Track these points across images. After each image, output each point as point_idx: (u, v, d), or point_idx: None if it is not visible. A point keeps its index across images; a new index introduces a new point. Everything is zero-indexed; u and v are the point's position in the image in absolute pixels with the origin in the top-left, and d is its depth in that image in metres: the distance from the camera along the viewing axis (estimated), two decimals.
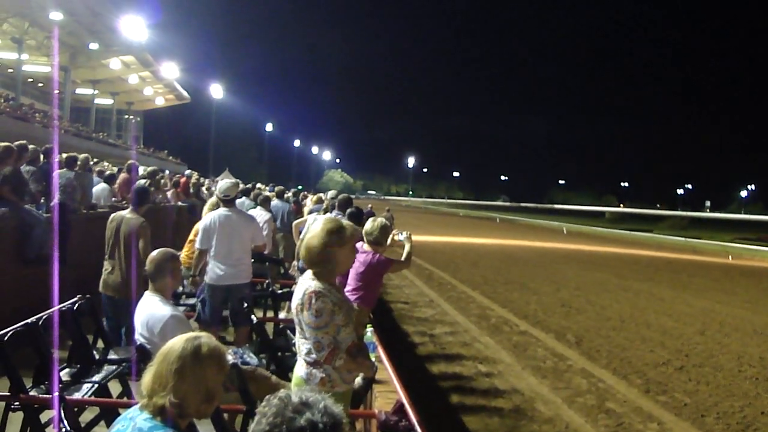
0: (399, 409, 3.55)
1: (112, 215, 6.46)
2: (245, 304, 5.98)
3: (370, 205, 26.59)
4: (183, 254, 7.51)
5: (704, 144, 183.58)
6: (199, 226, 6.96)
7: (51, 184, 8.94)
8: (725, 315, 13.90)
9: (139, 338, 4.07)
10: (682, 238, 51.87)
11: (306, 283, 3.23)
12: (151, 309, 4.06)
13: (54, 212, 8.15)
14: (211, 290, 6.52)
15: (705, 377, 8.67)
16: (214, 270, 6.50)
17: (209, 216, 6.83)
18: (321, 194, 12.23)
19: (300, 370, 3.27)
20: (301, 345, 3.26)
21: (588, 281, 18.60)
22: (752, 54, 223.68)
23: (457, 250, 27.10)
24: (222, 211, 6.77)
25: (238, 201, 8.24)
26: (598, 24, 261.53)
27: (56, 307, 4.79)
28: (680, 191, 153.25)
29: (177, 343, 2.25)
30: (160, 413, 2.15)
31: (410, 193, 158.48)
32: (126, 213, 6.34)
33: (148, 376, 2.20)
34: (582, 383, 7.97)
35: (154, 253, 4.27)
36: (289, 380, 4.29)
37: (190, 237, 7.81)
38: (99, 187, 11.20)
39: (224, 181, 7.52)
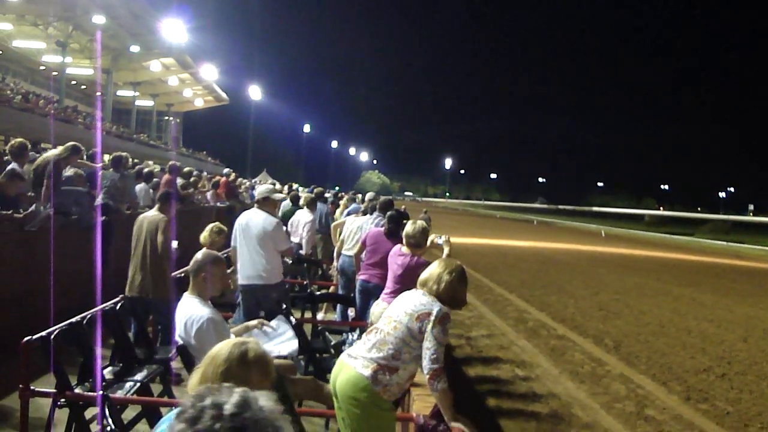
0: (437, 413, 3.55)
1: (139, 217, 6.57)
2: (283, 305, 6.03)
3: (403, 207, 26.59)
4: None
5: (747, 146, 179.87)
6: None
7: (96, 185, 9.14)
8: None
9: (178, 339, 4.14)
10: (724, 243, 50.89)
11: (430, 301, 3.57)
12: (189, 310, 4.13)
13: (97, 213, 8.31)
14: (242, 291, 6.70)
15: (748, 385, 8.49)
16: (240, 270, 6.68)
17: (243, 215, 7.04)
18: (351, 194, 12.16)
19: (364, 369, 3.44)
20: (384, 346, 3.50)
21: (627, 285, 18.33)
22: None
23: (494, 253, 26.95)
24: (250, 212, 6.94)
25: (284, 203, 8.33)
26: (638, 29, 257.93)
27: (99, 307, 4.89)
28: (722, 194, 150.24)
29: (225, 346, 2.32)
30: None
31: (447, 194, 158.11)
32: (149, 212, 6.45)
33: (195, 377, 2.26)
34: (620, 389, 7.86)
35: (198, 254, 4.34)
36: (327, 381, 4.33)
37: None
38: (138, 187, 11.34)
39: (262, 186, 7.64)
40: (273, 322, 5.11)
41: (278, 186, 21.87)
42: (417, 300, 3.57)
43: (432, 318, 3.46)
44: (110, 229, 8.36)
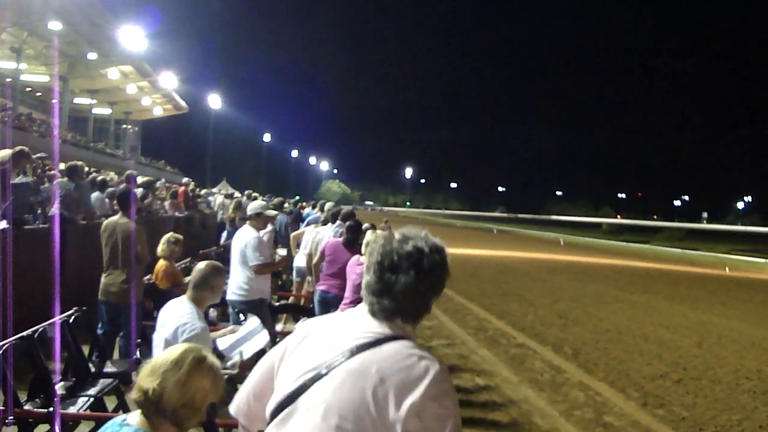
0: None
1: (105, 223, 6.49)
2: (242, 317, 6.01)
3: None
4: None
5: (701, 155, 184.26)
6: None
7: (50, 194, 8.95)
8: (722, 327, 13.89)
9: (159, 341, 4.06)
10: (679, 250, 51.89)
11: None
12: (184, 317, 4.05)
13: (54, 223, 8.13)
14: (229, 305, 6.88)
15: (703, 390, 8.65)
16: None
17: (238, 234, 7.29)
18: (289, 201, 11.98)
19: None
20: None
21: (585, 293, 18.59)
22: (749, 66, 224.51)
23: (455, 261, 26.46)
24: (241, 228, 7.20)
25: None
26: (596, 37, 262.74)
27: (53, 320, 4.77)
28: (677, 203, 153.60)
29: (175, 352, 2.30)
30: (144, 402, 2.19)
31: (408, 203, 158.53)
32: (117, 218, 6.35)
33: (147, 365, 2.25)
34: (579, 396, 7.94)
35: (202, 264, 4.34)
36: None
37: None
38: (94, 196, 11.11)
39: (254, 202, 7.74)
40: (245, 323, 5.14)
41: (237, 195, 21.73)
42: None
43: None
44: (65, 240, 8.18)
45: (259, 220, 7.09)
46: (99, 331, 5.85)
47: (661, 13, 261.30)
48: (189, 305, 4.12)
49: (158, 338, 4.06)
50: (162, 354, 2.32)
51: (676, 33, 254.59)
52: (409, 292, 1.79)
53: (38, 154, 10.34)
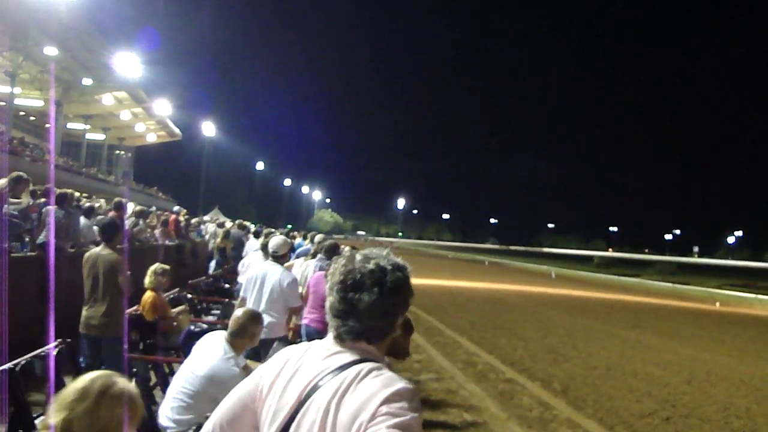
0: None
1: (87, 254, 6.43)
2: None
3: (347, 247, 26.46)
4: None
5: (693, 190, 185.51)
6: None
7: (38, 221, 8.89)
8: (712, 364, 13.87)
9: (190, 373, 4.09)
10: (670, 284, 52.08)
11: None
12: (224, 363, 4.16)
13: (48, 251, 8.08)
14: None
15: (691, 429, 8.60)
16: None
17: (256, 268, 7.13)
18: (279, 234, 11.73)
19: None
20: None
21: (575, 327, 18.54)
22: (742, 101, 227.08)
23: (445, 294, 26.98)
24: (269, 265, 7.07)
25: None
26: (589, 69, 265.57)
27: (36, 351, 4.72)
28: (669, 236, 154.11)
29: (94, 374, 2.19)
30: None
31: (400, 234, 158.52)
32: (99, 249, 6.30)
33: (56, 400, 2.13)
34: None
35: (239, 312, 4.46)
36: None
37: None
38: (81, 223, 11.00)
39: (276, 238, 7.66)
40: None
41: (228, 223, 21.67)
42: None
43: None
44: (53, 268, 8.13)
45: (284, 259, 7.27)
46: (82, 365, 5.79)
47: (655, 46, 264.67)
48: (229, 351, 4.22)
49: (192, 369, 4.13)
50: (69, 385, 2.17)
51: (667, 67, 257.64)
52: (373, 310, 1.78)
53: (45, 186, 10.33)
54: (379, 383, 1.69)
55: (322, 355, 1.82)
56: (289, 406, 1.77)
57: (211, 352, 4.17)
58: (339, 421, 1.66)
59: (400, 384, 1.69)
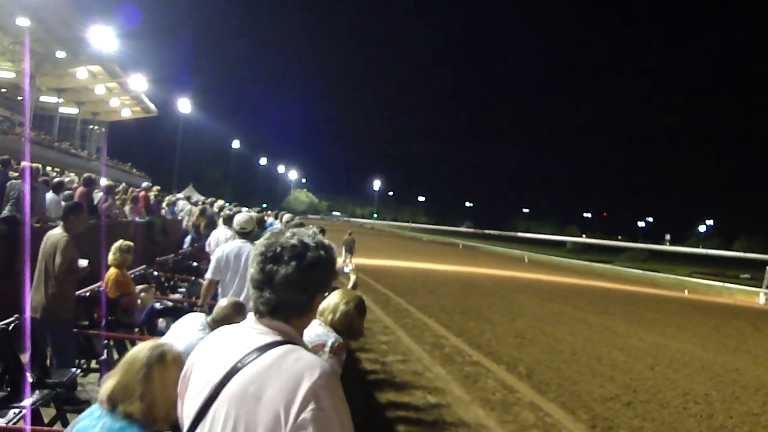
0: None
1: (46, 235, 6.26)
2: None
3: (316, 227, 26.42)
4: None
5: (666, 178, 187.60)
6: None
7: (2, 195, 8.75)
8: (675, 350, 14.11)
9: None
10: (641, 271, 52.72)
11: (325, 332, 3.54)
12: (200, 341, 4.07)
13: (9, 225, 7.95)
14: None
15: (651, 414, 8.75)
16: None
17: (223, 247, 6.86)
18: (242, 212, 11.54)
19: None
20: None
21: (544, 312, 18.73)
22: (715, 93, 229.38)
23: (418, 276, 27.08)
24: (238, 243, 6.78)
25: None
26: (566, 56, 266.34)
27: None
28: (641, 224, 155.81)
29: (141, 351, 2.33)
30: (129, 417, 2.22)
31: (375, 215, 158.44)
32: (55, 230, 6.15)
33: (110, 384, 2.26)
34: (529, 417, 7.98)
35: (223, 302, 4.34)
36: None
37: None
38: (48, 198, 10.77)
39: (241, 214, 7.47)
40: None
41: (202, 200, 21.49)
42: (312, 330, 3.47)
43: (327, 349, 3.40)
44: (15, 243, 8.02)
45: (252, 235, 7.02)
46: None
47: (630, 35, 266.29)
48: (208, 330, 4.14)
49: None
50: (121, 371, 2.35)
51: (643, 55, 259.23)
52: (289, 283, 1.78)
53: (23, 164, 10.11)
54: (301, 367, 1.68)
55: (243, 334, 1.82)
56: (208, 388, 1.76)
57: (189, 330, 4.13)
58: (261, 408, 1.66)
59: (319, 369, 1.70)
